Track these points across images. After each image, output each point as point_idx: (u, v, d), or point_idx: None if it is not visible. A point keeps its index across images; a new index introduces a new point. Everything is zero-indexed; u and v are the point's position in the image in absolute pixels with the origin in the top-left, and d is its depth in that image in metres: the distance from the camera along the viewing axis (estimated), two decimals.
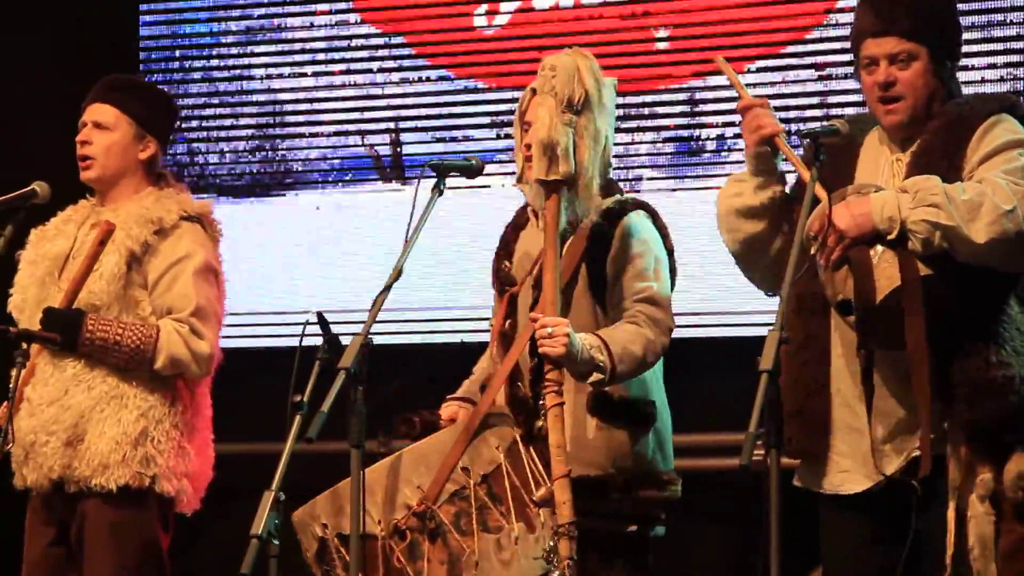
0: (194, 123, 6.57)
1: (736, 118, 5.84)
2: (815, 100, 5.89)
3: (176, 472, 4.49)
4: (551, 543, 3.82)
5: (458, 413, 4.23)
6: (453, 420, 4.20)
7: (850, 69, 5.70)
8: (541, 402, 3.98)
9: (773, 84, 5.90)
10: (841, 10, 5.86)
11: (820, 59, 5.88)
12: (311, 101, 6.46)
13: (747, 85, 5.78)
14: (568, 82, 4.06)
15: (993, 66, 5.66)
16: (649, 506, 4.20)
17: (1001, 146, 3.72)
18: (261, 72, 6.51)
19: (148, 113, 4.66)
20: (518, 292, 4.23)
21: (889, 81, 3.82)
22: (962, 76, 4.05)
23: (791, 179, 4.00)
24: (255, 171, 6.51)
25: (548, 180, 4.05)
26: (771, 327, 3.46)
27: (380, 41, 6.39)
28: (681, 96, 6.03)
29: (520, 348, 4.10)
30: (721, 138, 5.99)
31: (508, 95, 6.16)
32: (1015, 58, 5.68)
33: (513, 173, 4.47)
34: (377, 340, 3.91)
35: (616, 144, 4.61)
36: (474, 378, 4.39)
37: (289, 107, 6.48)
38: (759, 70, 5.92)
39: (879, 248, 3.66)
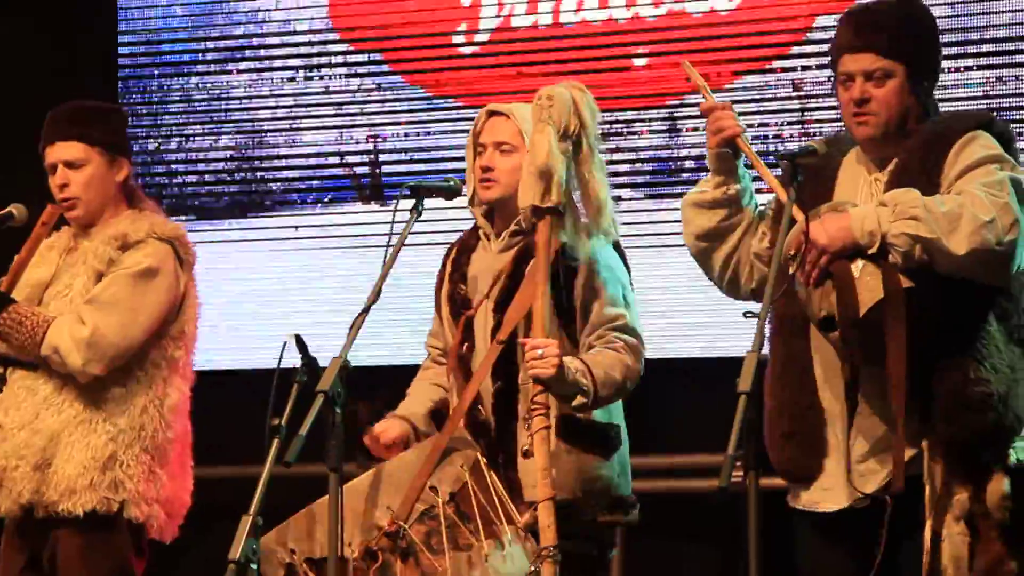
0: (173, 144, 6.56)
1: None
2: (794, 117, 5.90)
3: (146, 497, 4.46)
4: (534, 568, 3.83)
5: (393, 426, 4.22)
6: (382, 431, 4.19)
7: (828, 87, 5.77)
8: (527, 422, 3.98)
9: (752, 102, 5.91)
10: (820, 28, 5.87)
11: (798, 77, 5.89)
12: (290, 119, 6.45)
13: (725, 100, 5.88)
14: (565, 113, 4.08)
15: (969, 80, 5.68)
16: (611, 529, 4.24)
17: (978, 160, 3.74)
18: (240, 92, 6.51)
19: (111, 136, 4.65)
20: (474, 315, 4.24)
21: (863, 98, 3.83)
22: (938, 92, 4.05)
23: (759, 186, 4.03)
24: (234, 192, 6.50)
25: (542, 207, 4.05)
26: (749, 348, 3.46)
27: (360, 58, 6.39)
28: (660, 114, 6.04)
29: (485, 372, 4.12)
30: (701, 156, 5.99)
31: None
32: (991, 74, 5.70)
33: None
34: (355, 362, 3.90)
35: None
36: (414, 398, 4.38)
37: (268, 128, 6.48)
38: (737, 88, 5.92)
39: (860, 262, 3.67)
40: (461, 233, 4.45)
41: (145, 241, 4.55)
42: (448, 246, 4.47)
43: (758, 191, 4.09)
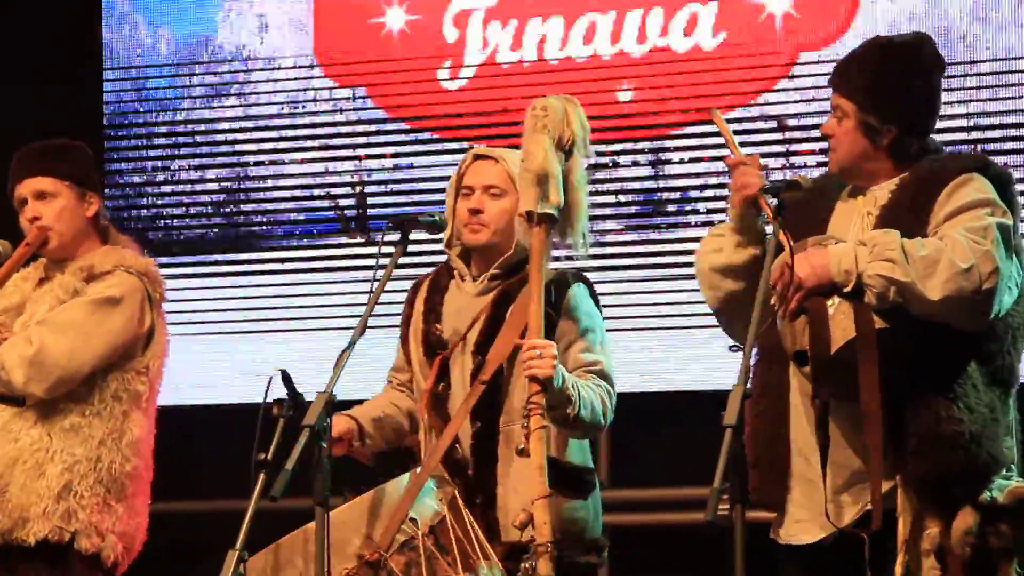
0: (159, 178, 6.56)
1: (699, 174, 5.94)
2: (779, 150, 5.92)
3: (99, 529, 4.45)
4: (530, 563, 3.83)
5: (339, 422, 4.18)
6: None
7: (813, 122, 5.79)
8: (524, 420, 3.97)
9: (735, 135, 5.92)
10: (803, 63, 5.90)
11: (782, 112, 5.92)
12: (276, 152, 6.46)
13: (708, 136, 5.91)
14: (560, 123, 4.09)
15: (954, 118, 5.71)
16: (585, 571, 4.25)
17: (968, 204, 3.73)
18: (226, 127, 6.52)
19: (79, 170, 4.66)
20: (449, 356, 4.24)
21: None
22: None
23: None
24: (220, 228, 6.50)
25: (538, 212, 4.06)
26: (734, 381, 3.47)
27: (345, 94, 6.40)
28: (644, 151, 6.06)
29: (466, 411, 4.12)
30: (684, 190, 6.02)
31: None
32: (975, 107, 5.73)
33: None
34: (341, 397, 3.90)
35: None
36: (367, 405, 4.37)
37: (253, 164, 6.49)
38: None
39: (836, 300, 3.68)
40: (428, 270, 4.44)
41: (112, 272, 4.56)
42: (413, 282, 4.45)
43: None
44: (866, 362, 3.63)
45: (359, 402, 4.40)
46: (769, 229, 3.94)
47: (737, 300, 3.96)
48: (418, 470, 4.03)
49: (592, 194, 5.95)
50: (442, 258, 4.43)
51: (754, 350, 3.68)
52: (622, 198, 6.07)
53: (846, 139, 3.84)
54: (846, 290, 3.66)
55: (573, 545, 4.18)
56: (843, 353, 3.65)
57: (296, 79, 6.45)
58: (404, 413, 4.38)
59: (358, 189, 6.36)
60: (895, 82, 3.84)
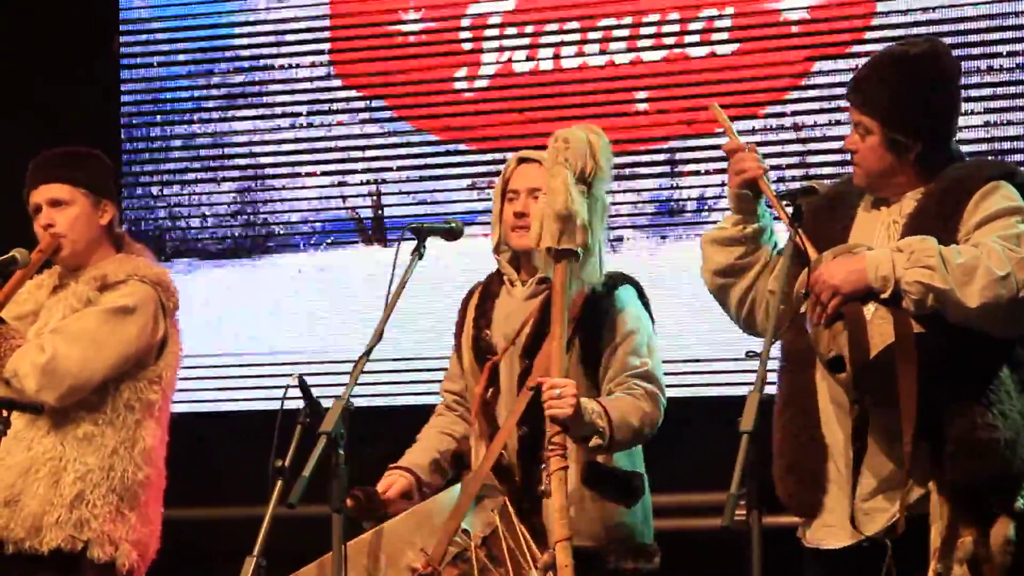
0: (176, 187, 6.58)
1: (716, 179, 5.94)
2: (795, 160, 5.92)
3: (112, 538, 4.46)
4: None
5: (397, 482, 4.22)
6: (386, 490, 4.19)
7: (828, 132, 5.80)
8: (543, 466, 3.98)
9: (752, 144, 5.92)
10: (818, 72, 5.90)
11: (798, 120, 5.92)
12: (292, 164, 6.47)
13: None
14: (582, 155, 4.09)
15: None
16: None
17: (998, 212, 3.73)
18: (242, 136, 6.53)
19: (95, 178, 4.67)
20: (499, 361, 4.24)
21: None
22: None
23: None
24: (237, 235, 6.52)
25: (560, 249, 4.06)
26: (751, 387, 3.47)
27: (361, 104, 6.41)
28: (661, 156, 6.06)
29: (516, 417, 4.11)
30: (701, 198, 6.02)
31: (489, 156, 6.19)
32: (992, 117, 5.72)
33: None
34: (358, 403, 3.90)
35: None
36: (421, 446, 4.37)
37: (270, 170, 6.50)
38: (738, 132, 5.93)
39: (872, 305, 3.67)
40: (481, 277, 4.45)
41: (125, 282, 4.56)
42: (467, 291, 4.47)
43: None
44: (905, 366, 3.63)
45: (376, 410, 4.39)
46: (770, 210, 3.98)
47: (728, 271, 4.01)
48: (469, 478, 4.02)
49: (611, 203, 5.99)
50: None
51: (776, 355, 3.69)
52: (639, 205, 6.07)
53: (872, 155, 3.84)
54: (883, 296, 3.66)
55: (620, 551, 4.18)
56: (882, 357, 3.64)
57: (313, 89, 6.46)
58: (461, 439, 4.37)
59: (374, 197, 6.37)
60: (919, 98, 3.83)
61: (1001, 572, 3.68)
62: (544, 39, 6.17)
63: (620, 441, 4.08)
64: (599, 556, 4.12)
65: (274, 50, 6.52)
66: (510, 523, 3.98)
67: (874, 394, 3.71)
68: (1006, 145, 5.71)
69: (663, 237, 6.04)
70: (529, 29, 6.20)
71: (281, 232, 6.47)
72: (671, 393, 5.58)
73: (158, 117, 6.63)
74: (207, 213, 6.56)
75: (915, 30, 5.74)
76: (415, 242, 4.21)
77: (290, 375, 3.89)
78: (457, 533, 3.94)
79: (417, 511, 4.01)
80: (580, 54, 6.14)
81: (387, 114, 6.37)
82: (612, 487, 4.18)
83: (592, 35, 6.12)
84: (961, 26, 5.75)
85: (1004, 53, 5.73)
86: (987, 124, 5.72)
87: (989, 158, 5.49)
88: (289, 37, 6.50)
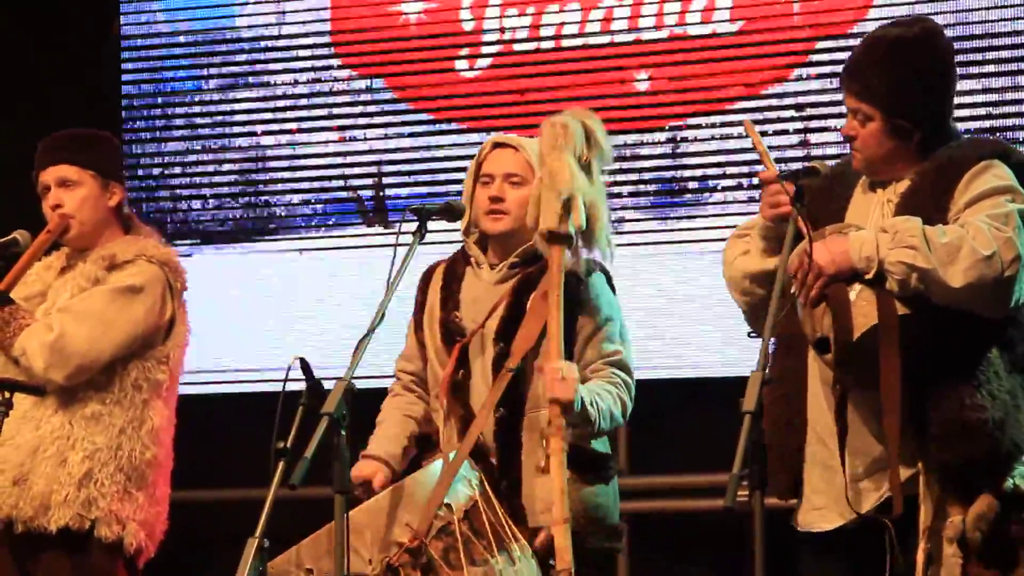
0: (177, 170, 6.58)
1: (717, 162, 5.93)
2: (797, 139, 5.91)
3: (119, 517, 4.47)
4: None
5: (377, 474, 4.23)
6: (368, 480, 4.20)
7: (830, 111, 5.79)
8: (543, 441, 3.99)
9: (754, 124, 5.91)
10: (822, 50, 5.89)
11: (800, 100, 5.91)
12: (293, 146, 6.47)
13: (727, 125, 5.90)
14: (580, 139, 4.09)
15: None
16: (611, 557, 4.32)
17: (988, 191, 3.72)
18: (243, 118, 6.53)
19: (104, 161, 4.68)
20: (468, 343, 4.24)
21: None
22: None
23: None
24: (238, 217, 6.52)
25: (559, 232, 4.06)
26: (753, 368, 3.46)
27: (362, 85, 6.40)
28: (662, 137, 6.05)
29: (495, 398, 4.13)
30: (703, 178, 6.01)
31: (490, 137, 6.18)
32: (993, 96, 5.72)
33: None
34: (360, 384, 3.90)
35: None
36: (391, 434, 4.36)
37: (271, 152, 6.50)
38: (739, 110, 5.93)
39: (857, 286, 3.67)
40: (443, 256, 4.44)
41: (133, 261, 4.58)
42: (426, 269, 4.45)
43: None
44: (888, 348, 3.62)
45: (378, 392, 4.40)
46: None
47: (766, 304, 3.96)
48: (451, 456, 4.04)
49: (610, 183, 5.98)
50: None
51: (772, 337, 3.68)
52: (640, 185, 6.07)
53: (873, 141, 3.82)
54: (867, 277, 3.65)
55: (596, 531, 4.20)
56: (865, 339, 3.64)
57: (314, 68, 6.46)
58: (422, 421, 4.39)
59: (375, 179, 6.36)
60: (919, 83, 3.81)
61: (972, 547, 3.67)
62: (545, 19, 6.16)
63: (602, 429, 4.14)
64: (576, 536, 4.10)
65: (275, 31, 6.51)
66: (487, 498, 4.01)
67: (857, 375, 3.71)
68: (1010, 122, 5.70)
69: (664, 219, 6.03)
70: (530, 9, 6.18)
71: (283, 214, 6.47)
72: (671, 374, 5.60)
73: (159, 99, 6.62)
74: (208, 195, 6.55)
75: (918, 8, 5.74)
76: (416, 223, 4.21)
77: (292, 356, 3.89)
78: (440, 508, 3.95)
79: (398, 488, 4.03)
80: (582, 34, 6.13)
81: (388, 96, 6.36)
82: (590, 469, 4.20)
83: (594, 15, 6.11)
84: (960, 4, 5.74)
85: (1007, 32, 5.72)
86: (986, 104, 5.71)
87: (987, 135, 5.48)
88: (290, 18, 6.49)
